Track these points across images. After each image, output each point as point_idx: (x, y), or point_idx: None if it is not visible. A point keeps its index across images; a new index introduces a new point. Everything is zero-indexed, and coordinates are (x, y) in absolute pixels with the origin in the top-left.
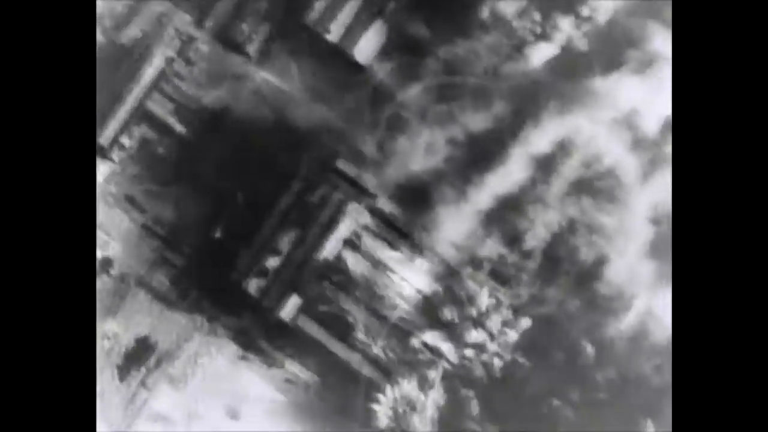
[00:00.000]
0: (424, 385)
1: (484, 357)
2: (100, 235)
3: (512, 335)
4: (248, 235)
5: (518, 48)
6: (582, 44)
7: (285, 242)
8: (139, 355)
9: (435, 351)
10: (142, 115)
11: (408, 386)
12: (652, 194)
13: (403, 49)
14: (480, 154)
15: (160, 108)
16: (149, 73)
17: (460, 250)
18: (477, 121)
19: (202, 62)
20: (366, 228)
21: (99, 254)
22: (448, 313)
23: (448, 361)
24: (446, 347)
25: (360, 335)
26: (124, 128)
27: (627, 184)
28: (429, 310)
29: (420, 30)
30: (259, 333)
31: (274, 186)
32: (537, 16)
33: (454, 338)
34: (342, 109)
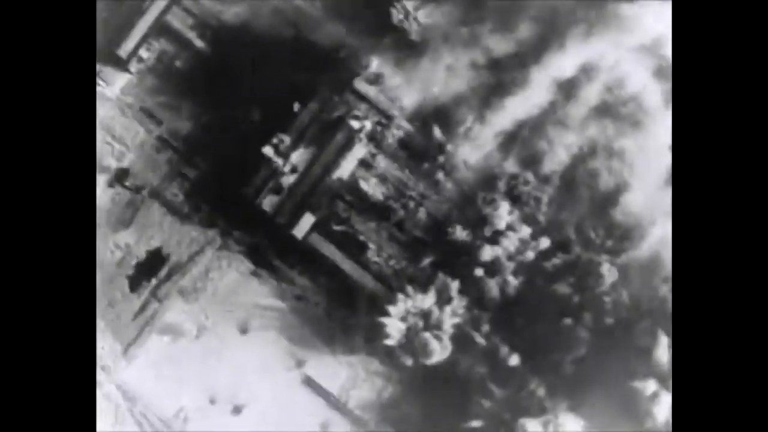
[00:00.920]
0: (440, 300)
1: (498, 278)
2: (117, 146)
3: (529, 255)
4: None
5: None
6: None
7: (302, 160)
8: (151, 267)
9: (447, 270)
10: (161, 28)
11: (421, 301)
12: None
13: None
14: (502, 78)
15: (179, 22)
16: None
17: (477, 172)
18: (500, 44)
19: None
20: (381, 148)
21: (114, 164)
22: (462, 233)
23: (462, 279)
24: (460, 266)
25: (372, 255)
26: (143, 41)
27: (650, 109)
28: (442, 231)
29: None
30: (271, 249)
31: (291, 104)
32: None
33: (469, 257)
34: (362, 28)
